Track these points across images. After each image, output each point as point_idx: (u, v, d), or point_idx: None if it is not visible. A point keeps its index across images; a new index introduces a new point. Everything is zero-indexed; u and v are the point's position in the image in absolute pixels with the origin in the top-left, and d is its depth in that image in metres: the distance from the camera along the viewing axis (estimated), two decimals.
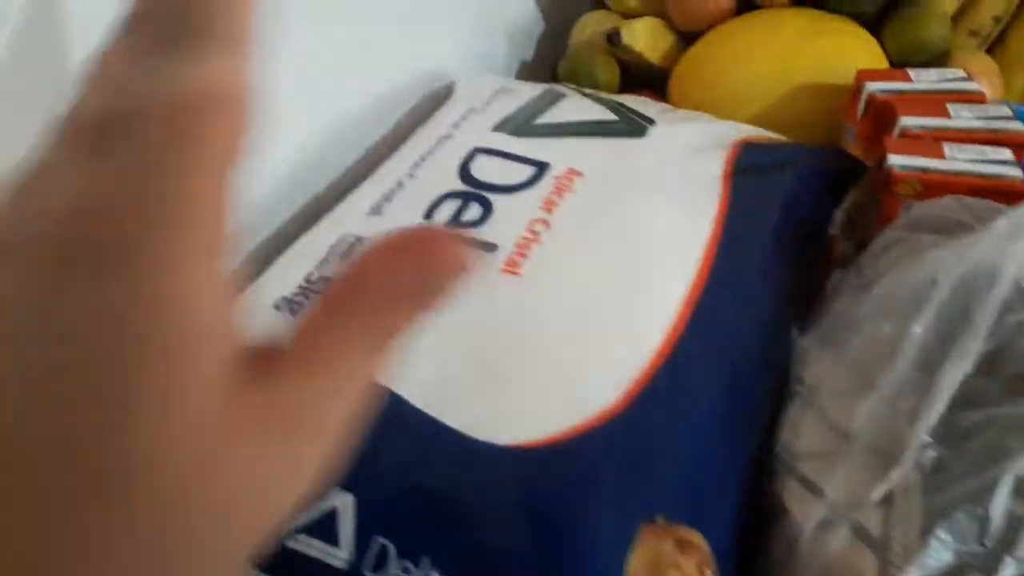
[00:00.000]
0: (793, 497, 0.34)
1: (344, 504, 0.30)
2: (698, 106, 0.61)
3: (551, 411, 0.32)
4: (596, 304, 0.36)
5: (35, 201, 0.15)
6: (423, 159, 0.46)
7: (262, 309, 0.38)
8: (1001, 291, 0.35)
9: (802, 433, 0.36)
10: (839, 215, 0.54)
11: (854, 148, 0.59)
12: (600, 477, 0.31)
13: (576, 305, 0.36)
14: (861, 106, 0.58)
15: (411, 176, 0.45)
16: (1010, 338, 0.35)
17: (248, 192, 0.44)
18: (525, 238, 0.39)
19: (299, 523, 0.29)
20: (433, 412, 0.33)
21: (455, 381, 0.34)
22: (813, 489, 0.34)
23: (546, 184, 0.42)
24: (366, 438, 0.32)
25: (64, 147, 0.15)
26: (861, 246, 0.55)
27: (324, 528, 0.29)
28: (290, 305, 0.38)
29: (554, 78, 0.71)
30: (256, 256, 0.46)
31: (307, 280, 0.39)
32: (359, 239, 0.41)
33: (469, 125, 0.48)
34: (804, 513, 0.33)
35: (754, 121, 0.59)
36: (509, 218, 0.40)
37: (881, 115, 0.56)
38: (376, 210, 0.43)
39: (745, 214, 0.43)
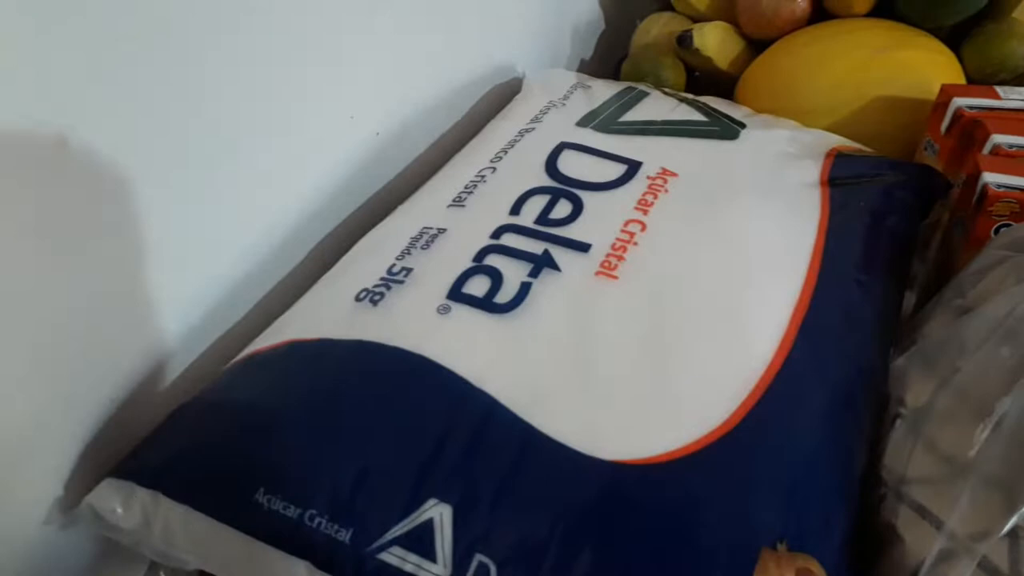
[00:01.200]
0: (907, 525, 0.32)
1: (442, 516, 0.28)
2: (768, 114, 0.59)
3: (660, 427, 0.30)
4: (702, 312, 0.34)
5: None
6: (504, 151, 0.44)
7: (344, 300, 0.36)
8: None
9: (910, 458, 0.34)
10: (928, 235, 0.53)
11: (934, 163, 0.57)
12: (716, 500, 0.29)
13: (680, 312, 0.34)
14: (947, 121, 0.56)
15: (493, 169, 0.43)
16: None
17: (324, 179, 0.42)
18: (620, 239, 0.37)
19: (394, 533, 0.28)
20: (531, 419, 0.31)
21: (552, 387, 0.32)
22: (929, 517, 0.32)
23: (639, 183, 0.41)
24: (460, 442, 0.30)
25: None
26: (938, 267, 0.54)
27: (420, 541, 0.27)
28: (371, 296, 0.36)
29: (616, 79, 0.70)
30: (330, 244, 0.44)
31: (389, 272, 0.37)
32: (441, 230, 0.39)
33: (551, 119, 0.47)
34: (921, 543, 0.31)
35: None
36: (602, 217, 0.39)
37: (969, 132, 0.54)
38: (458, 201, 0.41)
39: (845, 225, 0.41)
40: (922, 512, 0.32)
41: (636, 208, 0.39)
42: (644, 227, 0.38)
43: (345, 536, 0.28)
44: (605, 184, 0.41)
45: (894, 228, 0.46)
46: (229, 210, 0.38)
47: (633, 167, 0.42)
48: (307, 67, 0.40)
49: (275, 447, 0.31)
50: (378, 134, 0.46)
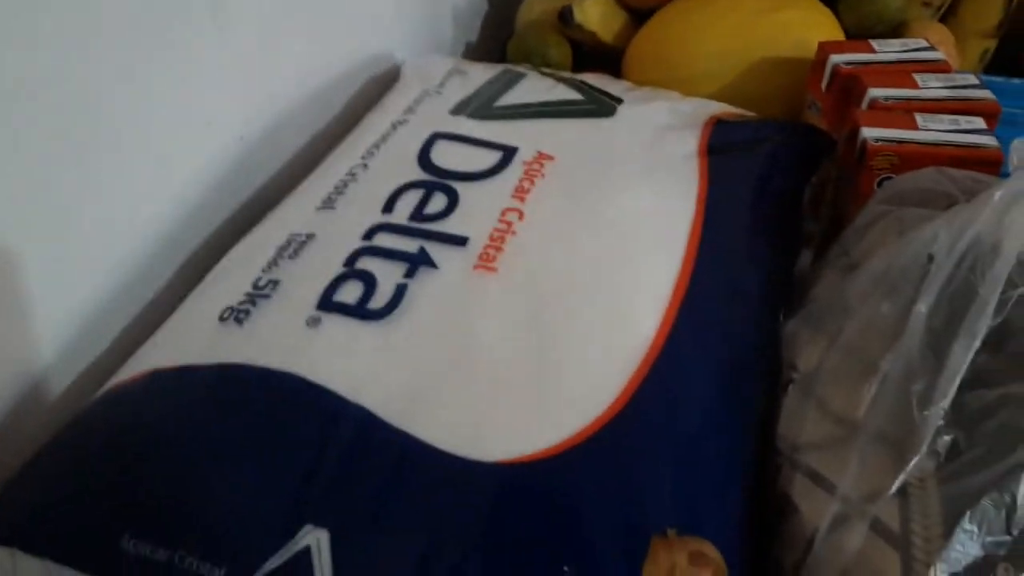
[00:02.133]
0: (802, 493, 0.32)
1: (319, 542, 0.26)
2: (654, 85, 0.59)
3: (543, 421, 0.29)
4: (583, 298, 0.33)
5: None
6: (376, 147, 0.42)
7: (207, 322, 0.34)
8: (1004, 266, 0.33)
9: (802, 423, 0.34)
10: (805, 193, 0.53)
11: (818, 122, 0.57)
12: (602, 491, 0.28)
13: (561, 301, 0.33)
14: (826, 79, 0.56)
15: (364, 166, 0.41)
16: (1014, 313, 0.33)
17: (184, 189, 0.39)
18: (498, 230, 0.36)
19: (270, 566, 0.26)
20: (409, 428, 0.29)
21: (430, 391, 0.30)
22: (823, 483, 0.32)
23: (515, 170, 0.39)
24: (334, 462, 0.29)
25: None
26: (831, 223, 0.54)
27: (298, 570, 0.26)
28: (236, 314, 0.34)
29: (503, 60, 0.68)
30: (197, 259, 0.41)
31: (255, 286, 0.35)
32: (309, 236, 0.37)
33: (424, 109, 0.45)
34: (816, 510, 0.31)
35: (714, 98, 0.57)
36: (479, 208, 0.37)
37: (847, 87, 0.54)
38: (328, 203, 0.39)
39: (725, 194, 0.40)
40: (816, 478, 0.32)
41: (513, 196, 0.38)
42: (522, 215, 0.37)
43: (219, 574, 0.26)
44: (480, 173, 0.39)
45: (779, 190, 0.46)
46: (81, 232, 0.35)
47: (509, 153, 0.40)
48: (152, 73, 0.37)
49: (138, 488, 0.29)
50: (242, 138, 0.44)
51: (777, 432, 0.35)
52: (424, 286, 0.34)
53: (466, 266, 0.35)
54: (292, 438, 0.29)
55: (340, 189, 0.39)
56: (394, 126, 0.44)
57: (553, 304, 0.33)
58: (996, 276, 0.33)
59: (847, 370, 0.35)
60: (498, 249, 0.35)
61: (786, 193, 0.47)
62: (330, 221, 0.37)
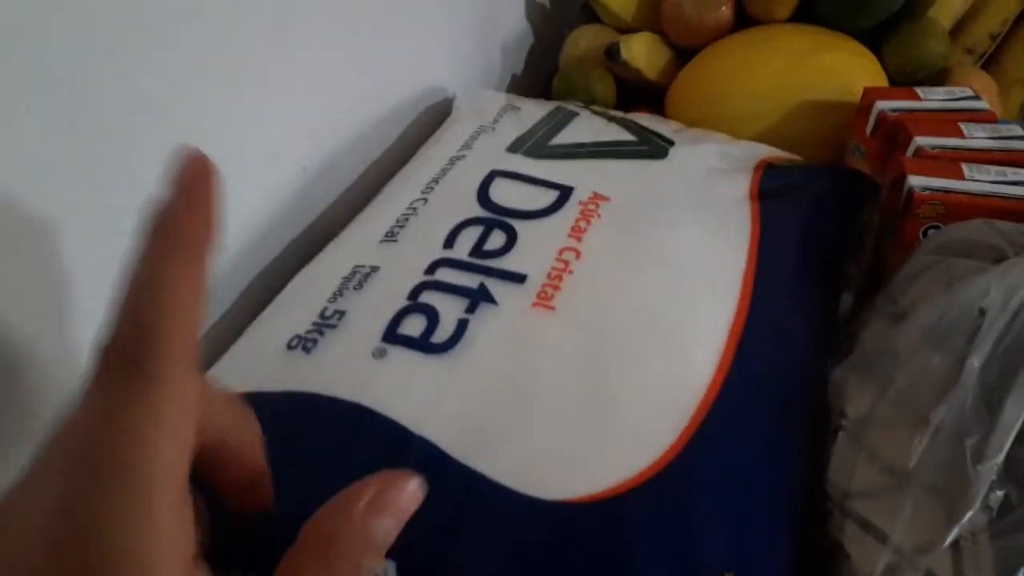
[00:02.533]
0: (853, 541, 0.32)
1: (387, 572, 0.27)
2: (697, 124, 0.60)
3: (603, 462, 0.30)
4: (640, 339, 0.34)
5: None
6: (436, 181, 0.43)
7: (275, 349, 0.35)
8: None
9: (852, 471, 0.35)
10: (860, 241, 0.53)
11: (862, 166, 0.58)
12: (661, 532, 0.28)
13: (618, 340, 0.34)
14: (871, 124, 0.57)
15: (424, 200, 0.42)
16: None
17: (251, 217, 0.41)
18: (556, 268, 0.37)
19: None
20: (471, 462, 0.30)
21: (492, 427, 0.31)
22: (874, 531, 0.32)
23: (572, 209, 0.40)
24: None
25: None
26: (872, 268, 0.55)
27: None
28: (304, 343, 0.35)
29: (548, 92, 0.70)
30: (261, 285, 0.43)
31: (321, 316, 0.36)
32: (374, 268, 0.38)
33: (481, 145, 0.46)
34: (867, 558, 0.31)
35: (756, 138, 0.58)
36: (537, 246, 0.38)
37: (893, 134, 0.55)
38: (390, 236, 0.40)
39: (776, 239, 0.41)
40: (867, 526, 0.32)
41: (570, 235, 0.39)
42: (579, 255, 0.38)
43: None
44: (538, 212, 0.40)
45: (826, 235, 0.46)
46: None
47: (565, 193, 0.41)
48: (228, 104, 0.39)
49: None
50: (305, 168, 0.45)
51: (827, 478, 0.35)
52: (484, 322, 0.35)
53: (525, 303, 0.36)
54: (361, 468, 0.30)
55: (402, 223, 0.41)
56: (452, 161, 0.45)
57: (611, 343, 0.34)
58: None
59: (897, 419, 0.35)
60: (556, 288, 0.36)
61: (832, 237, 0.48)
62: (393, 254, 0.39)
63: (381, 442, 0.31)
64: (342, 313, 0.35)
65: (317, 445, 0.31)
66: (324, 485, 0.29)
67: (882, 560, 0.31)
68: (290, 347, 0.35)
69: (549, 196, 0.41)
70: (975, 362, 0.33)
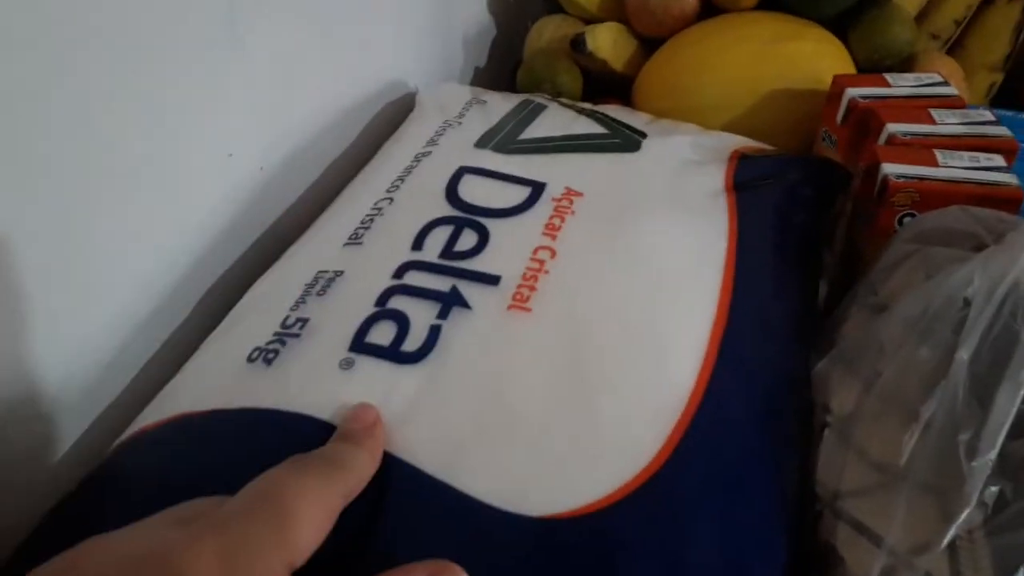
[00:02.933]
0: (846, 543, 0.31)
1: None
2: (665, 115, 0.58)
3: (586, 475, 0.28)
4: (620, 342, 0.32)
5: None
6: (401, 179, 0.41)
7: (235, 363, 0.33)
8: None
9: (841, 470, 0.34)
10: (832, 229, 0.53)
11: (833, 154, 0.57)
12: (647, 544, 0.27)
13: (598, 345, 0.32)
14: (841, 112, 0.56)
15: (390, 200, 0.40)
16: None
17: (208, 221, 0.38)
18: (531, 268, 0.35)
19: None
20: (450, 480, 0.28)
21: (471, 441, 0.29)
22: (867, 533, 0.31)
23: (545, 207, 0.39)
24: (376, 514, 0.28)
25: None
26: (846, 257, 0.54)
27: None
28: (264, 355, 0.33)
29: (512, 85, 0.68)
30: (219, 292, 0.40)
31: (283, 325, 0.34)
32: (338, 273, 0.36)
33: (447, 140, 0.44)
34: (861, 561, 0.30)
35: (725, 128, 0.57)
36: (510, 246, 0.36)
37: (864, 121, 0.54)
38: (355, 239, 0.38)
39: (754, 231, 0.40)
40: (859, 528, 0.31)
41: (544, 234, 0.37)
42: (554, 253, 0.36)
43: None
44: (510, 210, 0.38)
45: (802, 225, 0.45)
46: (100, 261, 0.34)
47: (537, 189, 0.40)
48: (177, 102, 0.36)
49: None
50: (262, 168, 0.43)
51: (816, 478, 0.34)
52: (458, 327, 0.33)
53: (500, 307, 0.34)
54: None
55: (367, 224, 0.39)
56: (417, 158, 0.43)
57: (590, 347, 0.32)
58: None
59: (885, 415, 0.34)
60: (531, 288, 0.35)
61: (807, 227, 0.47)
62: (359, 257, 0.37)
63: None
64: (305, 321, 0.33)
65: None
66: None
67: (877, 563, 0.30)
68: (250, 360, 0.32)
69: (521, 193, 0.39)
70: (964, 355, 0.33)
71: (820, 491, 0.34)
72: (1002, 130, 0.51)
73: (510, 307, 0.34)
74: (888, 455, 0.33)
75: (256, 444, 0.29)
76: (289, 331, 0.33)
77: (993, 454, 0.30)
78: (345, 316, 0.33)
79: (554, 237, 0.37)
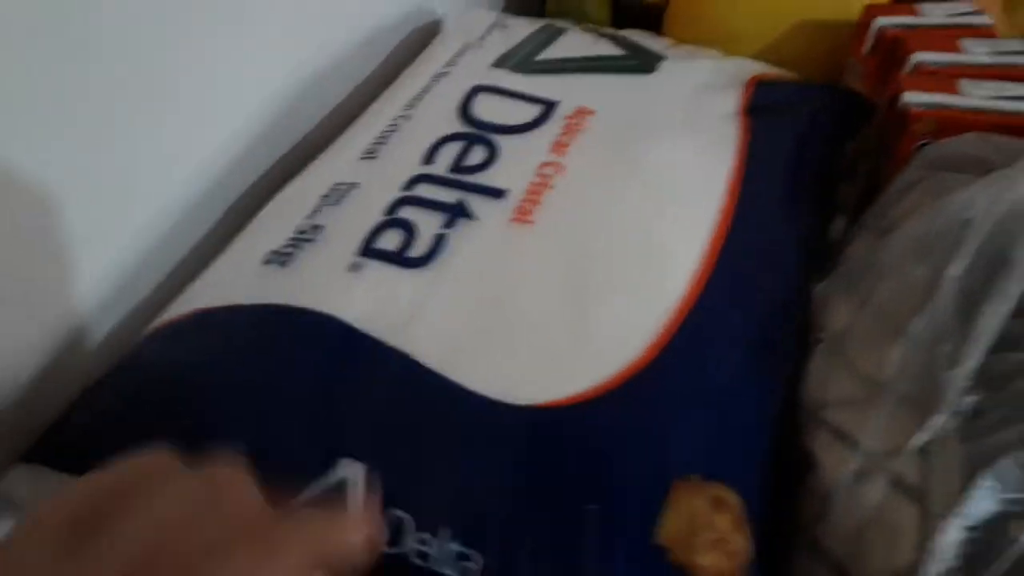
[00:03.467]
0: (824, 449, 0.33)
1: (354, 474, 0.27)
2: (695, 43, 0.58)
3: (574, 368, 0.30)
4: (618, 253, 0.34)
5: None
6: (418, 98, 0.43)
7: (252, 264, 0.35)
8: None
9: (828, 382, 0.35)
10: (852, 159, 0.53)
11: (859, 85, 0.56)
12: (628, 435, 0.29)
13: (596, 253, 0.34)
14: (869, 42, 0.55)
15: (406, 117, 0.42)
16: None
17: (234, 139, 0.40)
18: (536, 184, 0.37)
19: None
20: (446, 372, 0.30)
21: (469, 338, 0.31)
22: (845, 440, 0.32)
23: (556, 124, 0.40)
24: (373, 402, 0.30)
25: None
26: (868, 191, 0.54)
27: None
28: (280, 258, 0.35)
29: (542, 14, 0.68)
30: (244, 205, 0.43)
31: (298, 231, 0.36)
32: (352, 185, 0.38)
33: (466, 62, 0.45)
34: (837, 465, 0.32)
35: (754, 58, 0.56)
36: (518, 162, 0.38)
37: (891, 51, 0.53)
38: (370, 153, 0.40)
39: (764, 155, 0.40)
40: (839, 435, 0.33)
41: (552, 151, 0.38)
42: (560, 169, 0.37)
43: None
44: (520, 127, 0.40)
45: (817, 153, 0.46)
46: (136, 177, 0.36)
47: (549, 107, 0.41)
48: (207, 26, 0.38)
49: (183, 420, 0.30)
50: (288, 87, 0.45)
51: (804, 390, 0.35)
52: (462, 236, 0.35)
53: (504, 218, 0.35)
54: (332, 378, 0.30)
55: (383, 139, 0.40)
56: (436, 78, 0.44)
57: (588, 256, 0.34)
58: None
59: (877, 331, 0.35)
60: (535, 202, 0.36)
61: (824, 156, 0.47)
62: (372, 170, 0.38)
63: (354, 353, 0.31)
64: (319, 228, 0.35)
65: (290, 356, 0.31)
66: (294, 393, 0.30)
67: (852, 465, 0.31)
68: (266, 262, 0.35)
69: (533, 111, 0.40)
70: (954, 271, 0.33)
71: (807, 402, 0.35)
72: None
73: (513, 219, 0.35)
74: (875, 369, 0.34)
75: (265, 335, 0.32)
76: (304, 236, 0.35)
77: (971, 365, 0.31)
78: (356, 224, 0.35)
79: (562, 154, 0.38)
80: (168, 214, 0.39)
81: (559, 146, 0.38)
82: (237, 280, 0.34)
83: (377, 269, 0.34)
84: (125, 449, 0.30)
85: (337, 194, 0.37)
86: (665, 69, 0.45)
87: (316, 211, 0.37)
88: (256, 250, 0.35)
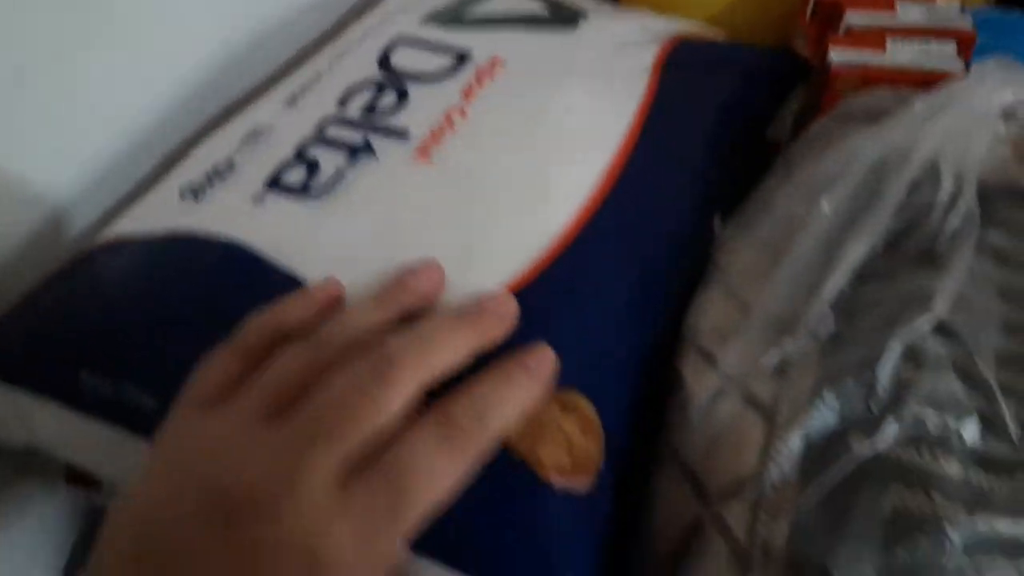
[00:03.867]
0: (691, 369, 0.34)
1: None
2: (645, 7, 0.59)
3: (454, 291, 0.32)
4: (506, 187, 0.36)
5: (207, 455, 0.24)
6: (347, 51, 0.45)
7: (169, 197, 0.37)
8: (911, 170, 0.34)
9: (709, 311, 0.36)
10: (786, 119, 0.54)
11: (804, 51, 0.57)
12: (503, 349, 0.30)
13: (487, 188, 0.36)
14: (810, 7, 0.56)
15: (330, 68, 0.44)
16: (917, 216, 0.34)
17: (172, 90, 0.42)
18: (440, 126, 0.39)
19: None
20: None
21: (355, 262, 0.33)
22: (710, 360, 0.34)
23: (467, 73, 0.42)
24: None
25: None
26: None
27: None
28: (194, 192, 0.37)
29: None
30: (176, 155, 0.45)
31: (214, 168, 0.38)
32: (269, 128, 0.40)
33: (398, 18, 0.47)
34: (699, 383, 0.33)
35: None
36: (426, 107, 0.40)
37: (828, 15, 0.54)
38: (291, 102, 0.42)
39: (674, 106, 0.42)
40: (706, 357, 0.34)
41: (460, 96, 0.40)
42: (464, 114, 0.39)
43: (151, 403, 0.30)
44: (433, 75, 0.42)
45: (740, 112, 0.47)
46: (60, 130, 0.39)
47: (462, 57, 0.42)
48: None
49: (97, 333, 0.33)
50: (227, 42, 0.47)
51: (686, 321, 0.37)
52: (362, 172, 0.37)
53: (404, 157, 0.37)
54: (229, 298, 0.32)
55: (306, 87, 0.43)
56: (367, 32, 0.46)
57: (479, 190, 0.36)
58: (901, 179, 0.34)
59: (758, 263, 0.36)
60: (436, 143, 0.38)
61: (753, 114, 0.48)
62: (291, 115, 0.41)
63: (250, 276, 0.33)
64: (232, 165, 0.38)
65: (193, 278, 0.33)
66: (197, 311, 0.32)
67: (711, 383, 0.32)
68: (183, 196, 0.37)
69: (447, 61, 0.42)
70: (825, 206, 0.34)
71: (686, 330, 0.36)
72: (963, 22, 0.50)
73: (412, 158, 0.37)
74: (753, 298, 0.35)
75: (169, 257, 0.34)
76: (218, 173, 0.38)
77: (831, 292, 0.32)
78: (265, 161, 0.38)
79: (469, 99, 0.40)
80: (102, 156, 0.41)
81: (467, 93, 0.40)
82: (155, 211, 0.37)
83: (279, 200, 0.36)
84: (44, 355, 0.32)
85: (254, 136, 0.39)
86: (587, 26, 0.46)
87: (235, 152, 0.39)
88: (175, 185, 0.38)
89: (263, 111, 0.42)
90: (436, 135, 0.38)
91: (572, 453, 0.29)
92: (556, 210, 0.35)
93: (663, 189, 0.38)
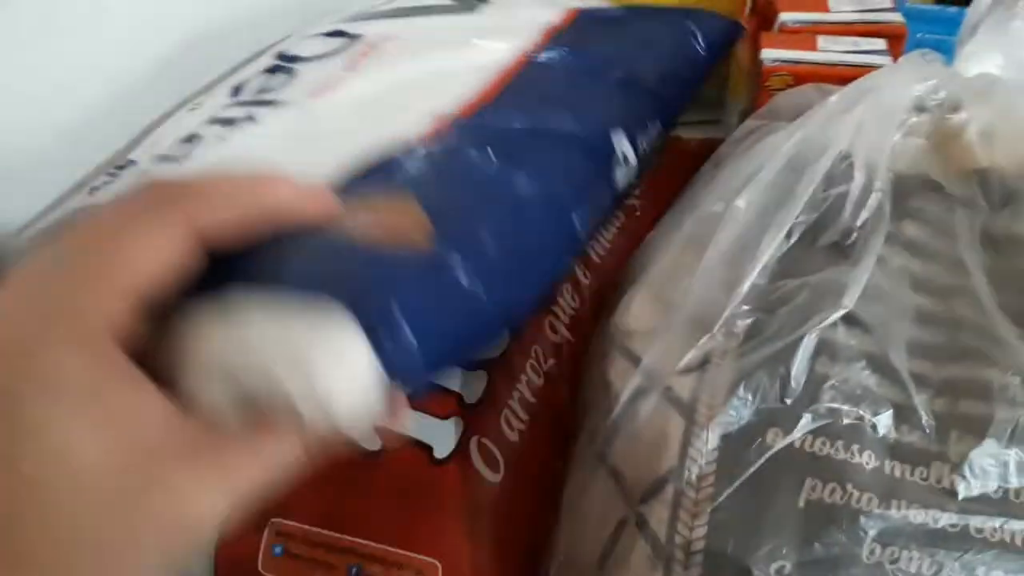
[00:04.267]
0: (615, 369, 0.33)
1: None
2: None
3: None
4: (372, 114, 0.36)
5: None
6: (251, 60, 0.45)
7: (81, 197, 0.37)
8: (824, 163, 0.34)
9: (633, 311, 0.36)
10: (732, 118, 0.53)
11: (744, 48, 0.57)
12: None
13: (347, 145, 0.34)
14: (748, 5, 0.57)
15: (232, 72, 0.44)
16: (832, 210, 0.34)
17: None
18: (318, 92, 0.39)
19: None
20: None
21: None
22: (633, 359, 0.33)
23: (355, 50, 0.41)
24: None
25: None
26: None
27: None
28: (92, 190, 0.37)
29: None
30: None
31: (115, 167, 0.38)
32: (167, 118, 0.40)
33: (342, 17, 0.47)
34: (623, 383, 0.32)
35: None
36: (308, 80, 0.40)
37: (764, 13, 0.55)
38: (195, 105, 0.41)
39: (573, 39, 0.42)
40: (631, 357, 0.33)
41: (344, 69, 0.40)
42: (343, 80, 0.39)
43: None
44: (322, 55, 0.42)
45: (651, 63, 0.44)
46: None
47: (354, 38, 0.42)
48: None
49: None
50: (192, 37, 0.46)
51: (612, 321, 0.36)
52: (229, 138, 0.36)
53: (278, 119, 0.37)
54: None
55: (207, 89, 0.42)
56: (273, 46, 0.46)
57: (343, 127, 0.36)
58: (813, 173, 0.34)
59: (682, 263, 0.36)
60: (315, 100, 0.38)
61: (671, 69, 0.45)
62: (192, 116, 0.40)
63: None
64: (133, 163, 0.37)
65: None
66: None
67: (634, 383, 0.32)
68: (91, 192, 0.37)
69: (339, 43, 0.42)
70: (740, 203, 0.34)
71: (614, 332, 0.36)
72: (894, 18, 0.51)
73: (286, 119, 0.37)
74: (678, 297, 0.34)
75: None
76: (119, 169, 0.37)
77: (745, 287, 0.32)
78: (156, 148, 0.37)
79: (352, 70, 0.40)
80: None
81: (351, 65, 0.40)
82: (66, 207, 0.36)
83: (161, 167, 0.36)
84: None
85: (156, 132, 0.39)
86: (486, 10, 0.46)
87: (131, 150, 0.39)
88: (84, 185, 0.37)
89: (174, 119, 0.41)
90: (315, 94, 0.38)
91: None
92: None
93: (558, 94, 0.39)
